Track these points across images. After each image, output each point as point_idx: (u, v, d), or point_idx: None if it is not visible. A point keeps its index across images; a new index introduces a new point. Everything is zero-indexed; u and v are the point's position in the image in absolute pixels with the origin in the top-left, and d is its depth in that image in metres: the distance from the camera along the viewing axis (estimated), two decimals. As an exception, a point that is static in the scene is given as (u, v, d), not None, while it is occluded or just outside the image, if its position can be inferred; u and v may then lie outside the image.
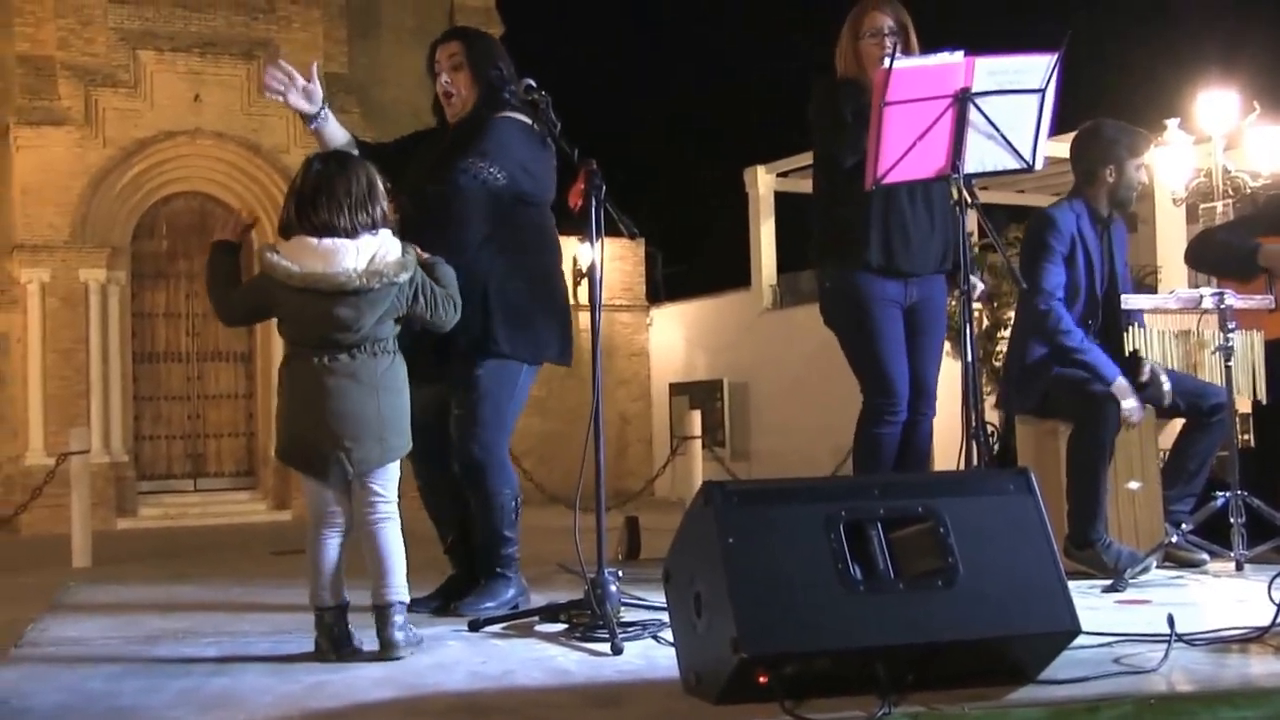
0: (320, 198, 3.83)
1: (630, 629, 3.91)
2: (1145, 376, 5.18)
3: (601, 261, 4.21)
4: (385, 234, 3.90)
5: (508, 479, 4.70)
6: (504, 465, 4.70)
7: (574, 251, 21.93)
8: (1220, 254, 5.93)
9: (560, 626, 4.11)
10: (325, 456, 3.81)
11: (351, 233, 3.82)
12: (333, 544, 3.87)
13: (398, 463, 3.94)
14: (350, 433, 3.80)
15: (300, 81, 4.65)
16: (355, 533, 3.89)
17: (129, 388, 18.13)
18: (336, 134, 4.77)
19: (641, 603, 4.33)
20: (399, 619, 3.77)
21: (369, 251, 3.82)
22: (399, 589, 3.80)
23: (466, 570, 4.78)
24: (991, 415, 8.09)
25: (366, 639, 3.82)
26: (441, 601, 4.64)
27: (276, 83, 4.62)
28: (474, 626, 4.18)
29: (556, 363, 4.86)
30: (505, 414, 4.68)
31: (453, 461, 4.68)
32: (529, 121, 4.65)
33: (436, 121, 4.99)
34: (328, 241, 3.80)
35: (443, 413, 4.65)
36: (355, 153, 4.57)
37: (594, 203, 4.09)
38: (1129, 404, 5.09)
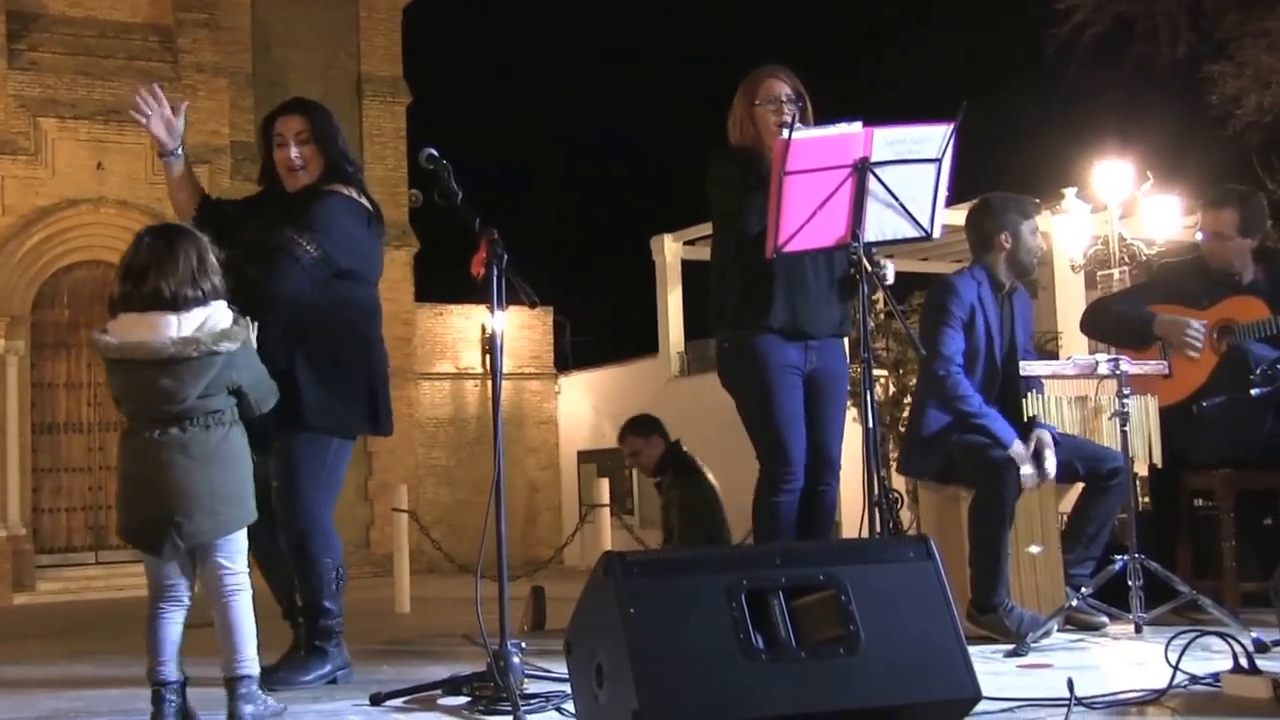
0: (150, 271, 3.80)
1: (533, 701, 3.87)
2: (1032, 447, 5.25)
3: (503, 330, 4.21)
4: (217, 305, 3.86)
5: (329, 548, 4.72)
6: (326, 534, 4.72)
7: (481, 320, 21.94)
8: (1115, 323, 6.03)
9: (464, 699, 4.06)
10: (157, 531, 3.76)
11: (177, 305, 3.78)
12: (170, 619, 3.82)
13: (243, 534, 3.88)
14: (180, 506, 3.75)
15: (166, 111, 4.74)
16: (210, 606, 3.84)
17: (28, 459, 17.79)
18: (185, 177, 4.89)
19: (545, 674, 4.29)
20: (244, 691, 3.72)
21: (194, 322, 3.78)
22: (248, 662, 3.76)
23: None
24: (900, 481, 8.15)
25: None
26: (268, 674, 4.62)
27: (144, 105, 4.71)
28: (375, 700, 4.13)
29: (371, 434, 4.92)
30: (322, 484, 4.72)
31: (278, 533, 4.70)
32: (358, 199, 4.79)
33: (264, 188, 5.02)
34: (152, 314, 3.77)
35: (269, 482, 4.67)
36: (198, 202, 4.85)
37: (495, 271, 4.10)
38: (1026, 470, 5.15)
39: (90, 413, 18.56)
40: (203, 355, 3.75)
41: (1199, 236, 6.03)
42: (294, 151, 4.83)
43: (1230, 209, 5.79)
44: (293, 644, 4.81)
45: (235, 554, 3.83)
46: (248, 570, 3.87)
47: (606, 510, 13.28)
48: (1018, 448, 5.16)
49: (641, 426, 8.34)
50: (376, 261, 4.93)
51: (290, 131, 4.86)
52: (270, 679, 4.53)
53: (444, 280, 20.32)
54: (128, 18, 19.00)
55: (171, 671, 3.77)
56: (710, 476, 8.17)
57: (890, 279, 4.77)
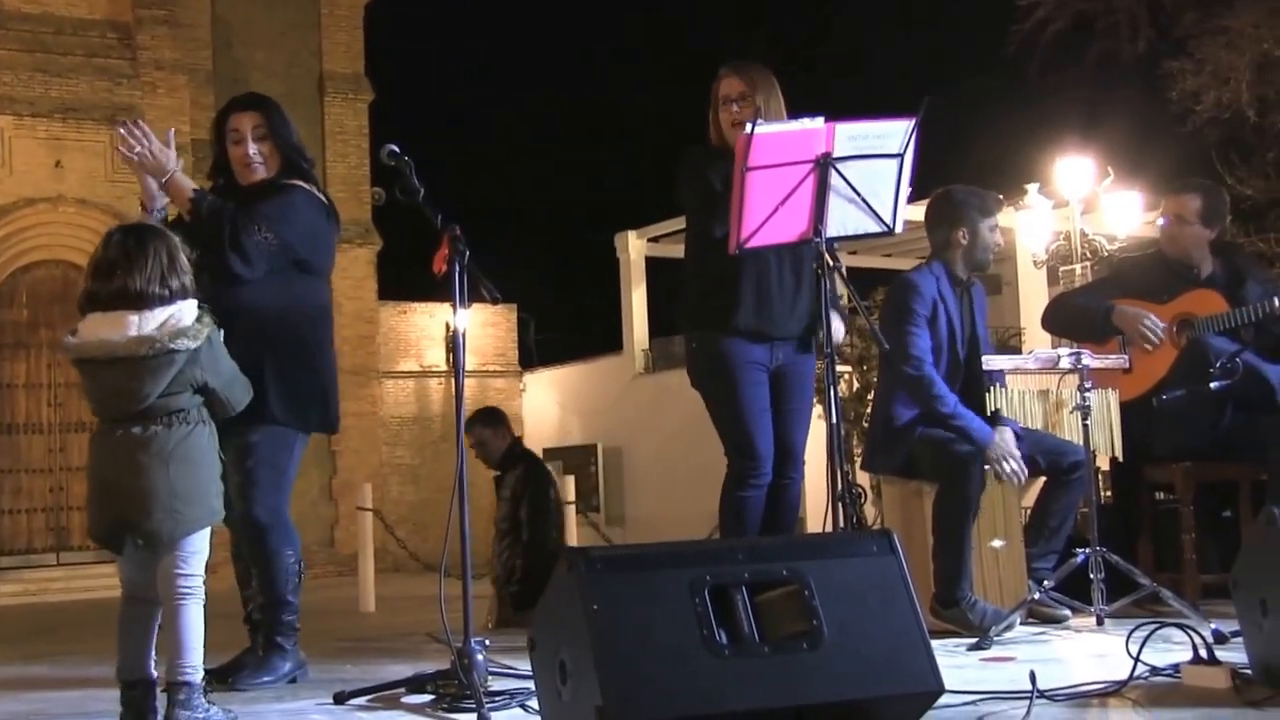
0: (117, 268, 3.77)
1: (498, 698, 3.87)
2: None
3: (466, 327, 4.20)
4: (184, 305, 3.81)
5: (291, 541, 4.76)
6: (288, 528, 4.77)
7: (445, 318, 21.86)
8: (1075, 317, 6.06)
9: (428, 697, 4.06)
10: (118, 530, 3.75)
11: (142, 303, 3.74)
12: (140, 618, 3.80)
13: (204, 537, 3.83)
14: (139, 506, 3.72)
15: (155, 145, 4.61)
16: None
17: (-14, 461, 17.61)
18: (185, 183, 4.74)
19: (510, 671, 4.28)
20: (183, 698, 3.66)
21: (156, 320, 3.74)
22: (189, 669, 3.69)
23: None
24: (863, 476, 8.15)
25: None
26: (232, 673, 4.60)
27: (130, 139, 4.58)
28: (339, 699, 4.12)
29: (323, 431, 4.99)
30: (284, 478, 4.76)
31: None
32: (316, 193, 4.85)
33: (217, 183, 4.98)
34: (114, 313, 3.75)
35: None
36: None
37: (457, 268, 4.09)
38: (1010, 467, 5.18)
39: (50, 413, 18.38)
40: (158, 354, 3.71)
41: (1160, 223, 6.06)
42: (251, 148, 4.83)
43: (1194, 195, 5.86)
44: (251, 644, 4.80)
45: (192, 556, 3.78)
46: (204, 576, 3.81)
47: (572, 508, 13.28)
48: (998, 445, 5.19)
49: (491, 418, 8.42)
50: (332, 254, 5.00)
51: (246, 127, 4.86)
52: (235, 679, 4.53)
53: (407, 278, 20.25)
54: (86, 14, 18.79)
55: (138, 670, 3.75)
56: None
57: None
